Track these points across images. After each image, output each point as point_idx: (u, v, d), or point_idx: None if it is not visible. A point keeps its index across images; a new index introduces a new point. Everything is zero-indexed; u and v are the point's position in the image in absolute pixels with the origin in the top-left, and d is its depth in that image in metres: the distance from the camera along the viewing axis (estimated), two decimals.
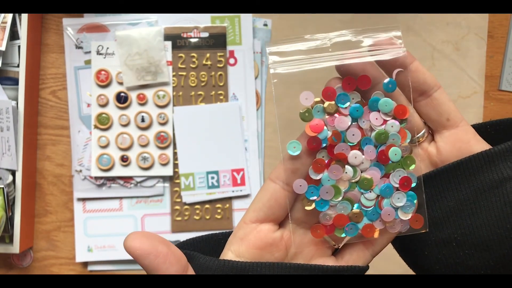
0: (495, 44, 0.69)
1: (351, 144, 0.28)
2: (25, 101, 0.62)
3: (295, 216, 0.29)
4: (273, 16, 0.68)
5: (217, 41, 0.66)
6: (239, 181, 0.67)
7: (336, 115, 0.28)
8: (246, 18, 0.67)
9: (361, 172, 0.28)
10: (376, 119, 0.28)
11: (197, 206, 0.67)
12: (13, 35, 0.64)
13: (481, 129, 0.30)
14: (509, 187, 0.27)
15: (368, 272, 0.30)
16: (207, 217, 0.67)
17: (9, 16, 0.62)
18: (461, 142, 0.29)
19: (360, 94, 0.28)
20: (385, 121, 0.28)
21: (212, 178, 0.67)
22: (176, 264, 0.26)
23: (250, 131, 0.67)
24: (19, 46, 0.63)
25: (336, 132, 0.28)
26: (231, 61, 0.67)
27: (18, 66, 0.63)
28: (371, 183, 0.28)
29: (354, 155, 0.28)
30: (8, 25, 0.62)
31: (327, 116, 0.28)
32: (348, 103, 0.28)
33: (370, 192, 0.28)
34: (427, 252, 0.29)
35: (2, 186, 0.59)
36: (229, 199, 0.67)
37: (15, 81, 0.63)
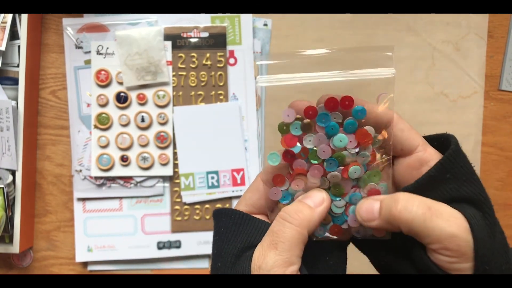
0: (495, 44, 0.69)
1: (315, 162, 0.30)
2: (25, 101, 0.62)
3: (272, 219, 0.32)
4: (273, 16, 0.68)
5: (217, 41, 0.66)
6: (239, 181, 0.67)
7: (312, 134, 0.29)
8: (246, 18, 0.67)
9: (333, 183, 0.30)
10: (341, 141, 0.29)
11: (197, 206, 0.67)
12: (13, 35, 0.64)
13: (438, 139, 0.31)
14: (413, 242, 0.28)
15: (368, 272, 0.30)
16: (207, 217, 0.67)
17: (9, 16, 0.62)
18: (412, 168, 0.30)
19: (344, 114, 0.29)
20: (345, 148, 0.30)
21: (212, 178, 0.67)
22: None
23: (250, 131, 0.67)
24: (19, 46, 0.63)
25: (304, 148, 0.30)
26: (231, 61, 0.67)
27: (18, 66, 0.63)
28: (342, 190, 0.30)
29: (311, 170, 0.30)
30: (8, 25, 0.62)
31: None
32: (328, 123, 0.29)
33: (341, 200, 0.30)
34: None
35: (2, 186, 0.59)
36: (229, 199, 0.67)
37: (15, 81, 0.63)
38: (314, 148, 0.29)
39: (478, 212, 0.28)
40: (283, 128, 0.29)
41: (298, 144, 0.30)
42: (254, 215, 0.32)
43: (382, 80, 0.29)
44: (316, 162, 0.30)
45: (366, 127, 0.29)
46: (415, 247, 0.29)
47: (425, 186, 0.29)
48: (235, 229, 0.31)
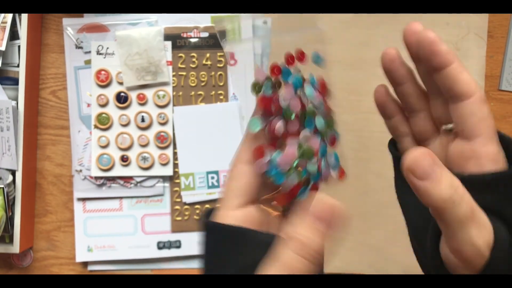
0: (495, 44, 0.68)
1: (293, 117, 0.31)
2: (25, 101, 0.62)
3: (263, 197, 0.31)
4: (273, 15, 0.68)
5: (217, 41, 0.66)
6: None
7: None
8: (246, 18, 0.67)
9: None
10: (309, 92, 0.31)
11: (197, 206, 0.67)
12: (13, 35, 0.64)
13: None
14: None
15: (368, 272, 0.30)
16: None
17: (9, 16, 0.62)
18: (463, 157, 0.27)
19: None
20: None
21: (212, 178, 0.67)
22: None
23: None
24: (19, 46, 0.63)
25: (278, 107, 0.30)
26: (231, 61, 0.67)
27: (18, 66, 0.63)
28: (312, 152, 0.30)
29: (279, 127, 0.30)
30: (8, 25, 0.62)
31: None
32: (291, 77, 0.31)
33: (313, 158, 0.31)
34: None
35: (2, 186, 0.59)
36: None
37: (15, 81, 0.63)
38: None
39: (507, 233, 0.26)
40: (255, 88, 0.31)
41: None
42: (246, 207, 0.29)
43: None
44: (292, 118, 0.30)
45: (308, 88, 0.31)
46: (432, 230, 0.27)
47: (476, 185, 0.26)
48: (225, 251, 0.28)
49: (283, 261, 0.25)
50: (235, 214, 0.29)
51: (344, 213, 0.25)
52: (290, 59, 0.32)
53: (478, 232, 0.25)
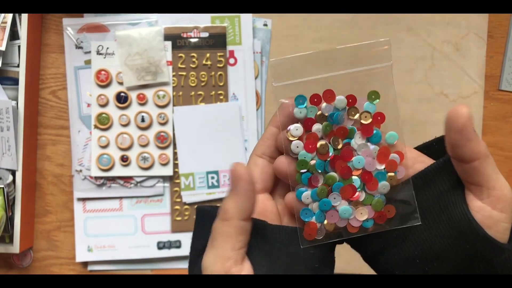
0: (495, 44, 0.69)
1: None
2: (25, 101, 0.62)
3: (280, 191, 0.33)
4: (273, 16, 0.68)
5: (217, 41, 0.66)
6: None
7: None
8: (246, 18, 0.67)
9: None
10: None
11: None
12: (13, 35, 0.64)
13: (429, 147, 0.31)
14: (448, 199, 0.29)
15: (368, 272, 0.30)
16: None
17: (9, 16, 0.62)
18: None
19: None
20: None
21: (212, 178, 0.66)
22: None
23: (250, 131, 0.67)
24: (19, 46, 0.63)
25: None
26: (231, 61, 0.67)
27: (18, 66, 0.63)
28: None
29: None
30: (8, 25, 0.62)
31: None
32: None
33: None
34: (397, 272, 0.30)
35: (2, 186, 0.59)
36: None
37: (15, 81, 0.63)
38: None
39: None
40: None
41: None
42: (260, 194, 0.32)
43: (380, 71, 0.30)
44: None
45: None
46: (456, 200, 0.28)
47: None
48: (198, 227, 0.32)
49: (212, 228, 0.29)
50: None
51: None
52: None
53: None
